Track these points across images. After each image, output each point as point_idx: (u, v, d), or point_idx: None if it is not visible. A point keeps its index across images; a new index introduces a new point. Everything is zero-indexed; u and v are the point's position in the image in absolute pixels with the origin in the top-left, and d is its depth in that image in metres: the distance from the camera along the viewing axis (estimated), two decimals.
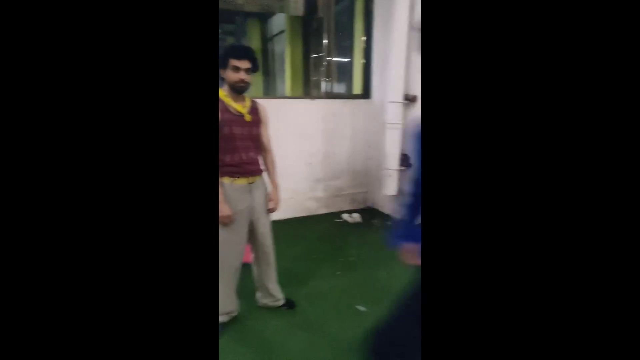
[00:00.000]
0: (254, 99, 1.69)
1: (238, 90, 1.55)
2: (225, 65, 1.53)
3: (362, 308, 1.97)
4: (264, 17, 5.88)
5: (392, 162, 3.19)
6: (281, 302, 1.94)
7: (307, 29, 5.46)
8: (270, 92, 5.96)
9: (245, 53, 1.52)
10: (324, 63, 3.62)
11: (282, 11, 5.37)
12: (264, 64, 5.85)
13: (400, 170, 3.24)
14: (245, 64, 1.52)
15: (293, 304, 1.97)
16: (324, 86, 4.02)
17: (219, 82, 1.59)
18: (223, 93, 1.59)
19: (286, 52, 5.61)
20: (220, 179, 1.59)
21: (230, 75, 1.53)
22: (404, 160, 3.23)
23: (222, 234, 1.61)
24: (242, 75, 1.52)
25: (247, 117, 1.60)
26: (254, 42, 5.87)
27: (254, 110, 1.65)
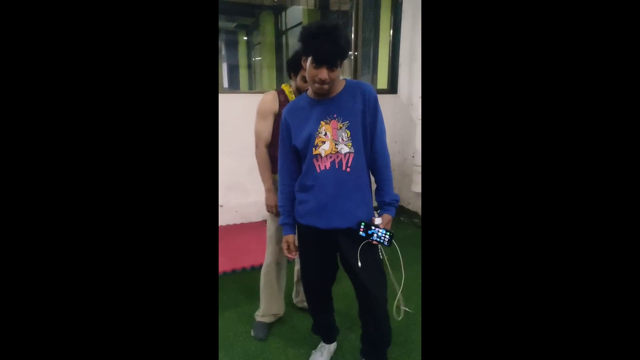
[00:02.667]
0: None
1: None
2: (295, 71, 1.50)
3: (407, 309, 1.92)
4: (277, 10, 5.80)
5: (419, 158, 3.13)
6: None
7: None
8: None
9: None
10: (350, 57, 3.54)
11: (294, 4, 5.29)
12: (277, 58, 5.79)
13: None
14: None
15: None
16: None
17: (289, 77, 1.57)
18: (289, 89, 1.54)
19: None
20: (273, 176, 1.56)
21: (298, 81, 1.51)
22: None
23: (270, 229, 1.60)
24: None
25: None
26: (267, 35, 5.80)
27: None
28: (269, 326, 1.73)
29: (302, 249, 1.37)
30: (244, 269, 2.29)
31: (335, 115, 1.21)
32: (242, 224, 2.97)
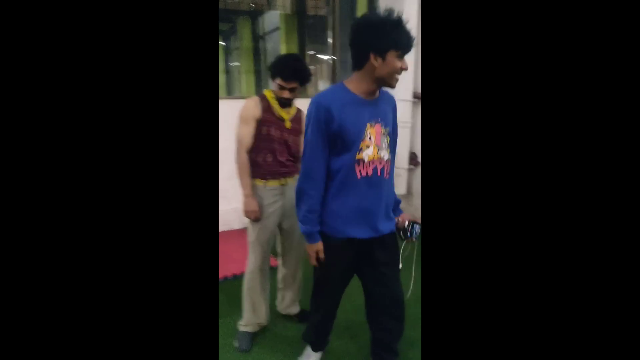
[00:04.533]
0: (300, 109, 1.63)
1: (281, 103, 1.53)
2: (273, 77, 1.50)
3: None
4: (254, 15, 5.78)
5: (402, 160, 3.16)
6: (296, 311, 1.85)
7: (303, 26, 5.39)
8: (263, 89, 5.90)
9: (293, 75, 1.47)
10: (328, 61, 3.55)
11: (272, 9, 5.29)
12: (255, 62, 5.76)
13: (409, 169, 3.21)
14: (291, 85, 1.49)
15: (305, 317, 1.77)
16: (321, 85, 3.95)
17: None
18: (271, 94, 1.54)
19: (281, 49, 5.53)
20: (253, 181, 1.55)
21: (275, 89, 1.52)
22: (413, 158, 3.21)
23: (251, 235, 1.59)
24: (286, 94, 1.51)
25: (288, 124, 1.56)
26: (245, 40, 5.76)
27: (298, 119, 1.60)
28: (253, 336, 1.69)
29: (331, 263, 1.24)
30: (225, 278, 2.23)
31: (379, 119, 1.15)
32: (223, 231, 2.91)
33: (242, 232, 2.87)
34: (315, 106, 1.12)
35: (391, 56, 1.05)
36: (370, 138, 1.13)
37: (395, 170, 3.22)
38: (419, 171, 3.18)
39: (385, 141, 1.17)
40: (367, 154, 1.13)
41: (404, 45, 1.05)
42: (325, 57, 3.50)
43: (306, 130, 1.15)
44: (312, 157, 1.15)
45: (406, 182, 3.23)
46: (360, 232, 1.19)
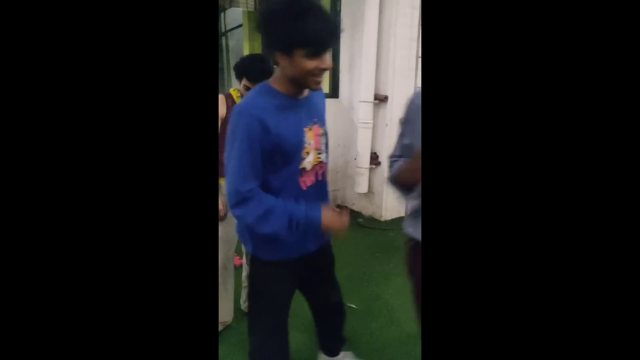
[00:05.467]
0: None
1: None
2: (239, 78, 1.49)
3: (353, 305, 1.99)
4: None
5: (364, 160, 3.25)
6: None
7: None
8: (226, 88, 5.80)
9: (259, 76, 1.40)
10: None
11: (233, 6, 5.22)
12: (218, 60, 5.67)
13: (371, 169, 3.31)
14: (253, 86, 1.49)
15: None
16: None
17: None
18: (237, 93, 1.53)
19: (244, 47, 5.46)
20: (219, 180, 1.53)
21: (241, 89, 1.50)
22: (374, 158, 3.31)
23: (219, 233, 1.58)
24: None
25: None
26: None
27: None
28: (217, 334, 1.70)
29: (271, 289, 1.09)
30: None
31: (316, 119, 1.02)
32: None
33: None
34: (243, 119, 0.90)
35: (298, 55, 0.86)
36: (309, 143, 0.99)
37: (358, 170, 3.32)
38: (379, 170, 3.30)
39: (324, 142, 1.04)
40: (309, 161, 0.99)
41: (312, 41, 0.84)
42: None
43: (229, 148, 0.92)
44: (241, 181, 0.91)
45: (368, 181, 3.33)
46: (312, 245, 1.08)
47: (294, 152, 0.96)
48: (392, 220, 3.30)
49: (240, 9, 5.39)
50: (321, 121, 1.05)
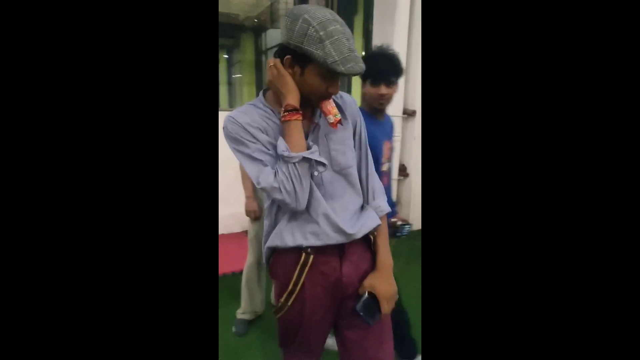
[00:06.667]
0: None
1: None
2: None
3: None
4: (258, 31, 6.06)
5: (393, 171, 3.38)
6: None
7: None
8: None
9: None
10: None
11: (274, 26, 5.58)
12: (257, 75, 6.00)
13: (399, 180, 3.43)
14: None
15: None
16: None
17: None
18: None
19: None
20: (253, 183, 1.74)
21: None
22: (402, 170, 3.43)
23: (251, 232, 1.78)
24: None
25: None
26: (247, 54, 6.02)
27: None
28: (249, 323, 1.89)
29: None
30: (225, 274, 2.44)
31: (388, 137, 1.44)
32: (223, 234, 3.12)
33: (240, 234, 3.08)
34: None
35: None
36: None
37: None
38: (407, 182, 3.41)
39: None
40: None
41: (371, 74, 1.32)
42: None
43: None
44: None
45: (396, 192, 3.45)
46: None
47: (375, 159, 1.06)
48: (419, 230, 3.39)
49: (280, 30, 5.73)
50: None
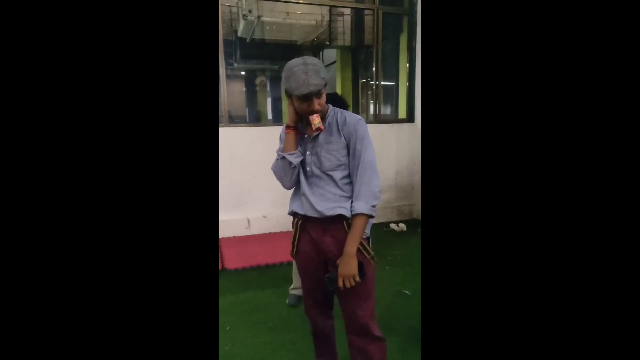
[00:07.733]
0: None
1: None
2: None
3: (407, 292, 2.40)
4: (315, 50, 6.62)
5: None
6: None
7: (356, 59, 6.10)
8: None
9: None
10: (372, 87, 4.18)
11: (332, 45, 6.06)
12: None
13: None
14: None
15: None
16: (372, 109, 4.55)
17: None
18: None
19: (337, 80, 6.27)
20: None
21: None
22: None
23: None
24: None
25: None
26: None
27: None
28: (300, 297, 2.30)
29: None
30: (281, 263, 2.90)
31: None
32: (280, 232, 3.61)
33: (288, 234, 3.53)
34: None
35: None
36: None
37: None
38: None
39: None
40: None
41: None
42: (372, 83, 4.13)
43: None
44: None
45: None
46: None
47: None
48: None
49: (334, 50, 6.24)
50: None
